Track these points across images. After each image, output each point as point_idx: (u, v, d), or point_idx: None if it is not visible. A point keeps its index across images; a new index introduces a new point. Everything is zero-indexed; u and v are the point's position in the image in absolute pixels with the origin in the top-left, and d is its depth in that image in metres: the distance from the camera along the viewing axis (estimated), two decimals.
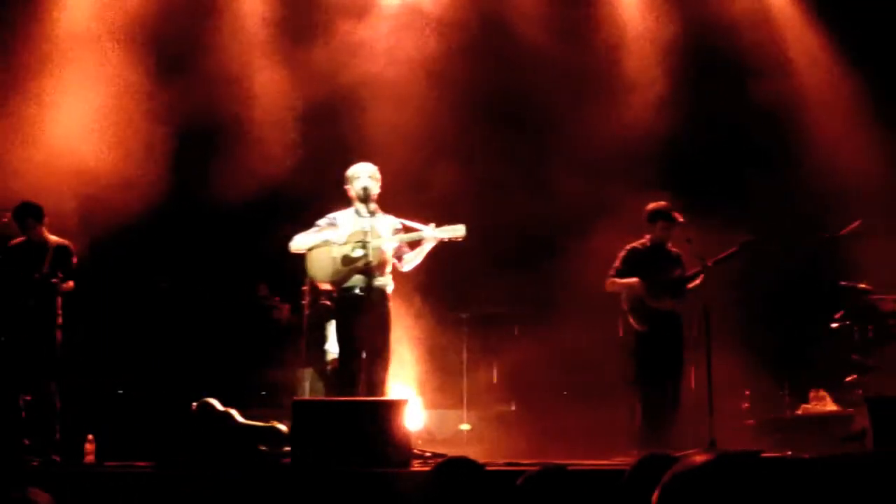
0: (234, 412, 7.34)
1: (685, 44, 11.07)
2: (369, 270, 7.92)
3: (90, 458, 8.28)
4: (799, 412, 9.91)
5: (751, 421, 10.01)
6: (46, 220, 8.71)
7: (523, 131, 11.57)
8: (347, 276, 8.00)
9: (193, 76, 10.50)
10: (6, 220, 8.64)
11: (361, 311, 7.93)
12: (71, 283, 8.63)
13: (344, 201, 8.28)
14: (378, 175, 8.22)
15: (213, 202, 10.48)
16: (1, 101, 9.90)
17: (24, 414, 8.40)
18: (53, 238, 8.72)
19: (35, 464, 7.86)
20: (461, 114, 10.88)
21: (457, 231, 7.87)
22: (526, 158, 11.32)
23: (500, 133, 11.36)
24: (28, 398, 8.43)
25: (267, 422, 7.36)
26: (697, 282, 8.78)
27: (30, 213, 8.64)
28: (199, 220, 11.03)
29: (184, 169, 10.49)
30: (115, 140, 10.09)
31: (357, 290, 8.00)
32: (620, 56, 11.37)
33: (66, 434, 8.44)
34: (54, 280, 8.45)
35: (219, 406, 7.34)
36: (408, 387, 9.94)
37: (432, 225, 7.91)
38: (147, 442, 7.30)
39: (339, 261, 7.99)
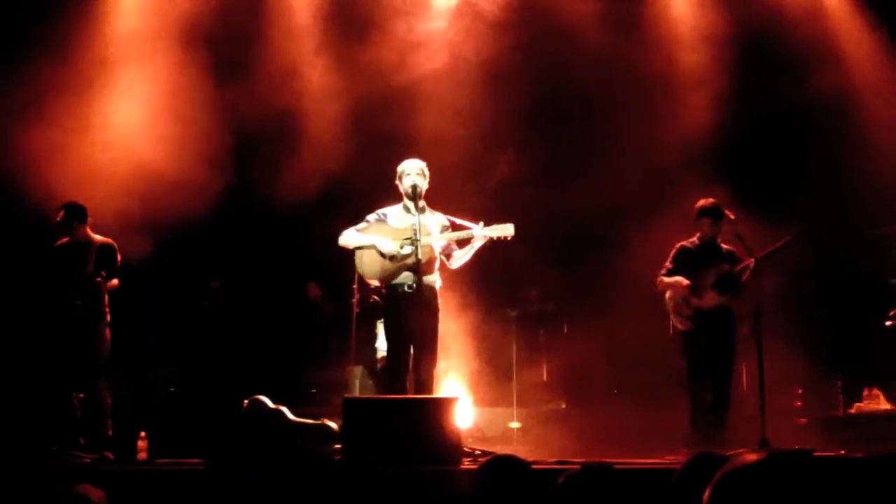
0: (284, 410, 7.37)
1: (739, 38, 10.97)
2: (418, 267, 7.91)
3: (143, 456, 8.35)
4: (852, 411, 9.82)
5: (803, 419, 9.93)
6: (90, 220, 8.76)
7: (576, 127, 11.54)
8: (396, 273, 8.01)
9: (249, 75, 10.56)
10: (60, 217, 8.72)
11: (410, 308, 7.93)
12: (115, 282, 8.70)
13: (395, 197, 8.29)
14: (426, 171, 8.21)
15: (267, 200, 10.53)
16: (61, 102, 9.97)
17: (78, 412, 8.49)
18: (97, 237, 8.76)
19: (88, 461, 7.95)
20: (514, 110, 10.86)
21: (506, 230, 7.84)
22: (578, 154, 11.29)
23: (553, 129, 11.34)
24: (81, 396, 8.51)
25: (317, 420, 7.38)
26: (747, 275, 8.66)
27: (73, 214, 8.70)
28: (252, 218, 11.08)
29: (238, 168, 10.55)
30: (170, 139, 10.15)
31: (406, 287, 8.00)
32: (675, 51, 11.30)
33: (120, 431, 8.52)
34: (98, 279, 8.52)
35: (269, 404, 7.36)
36: (458, 384, 9.95)
37: (481, 223, 7.90)
38: (198, 439, 7.33)
39: (387, 258, 8.01)
